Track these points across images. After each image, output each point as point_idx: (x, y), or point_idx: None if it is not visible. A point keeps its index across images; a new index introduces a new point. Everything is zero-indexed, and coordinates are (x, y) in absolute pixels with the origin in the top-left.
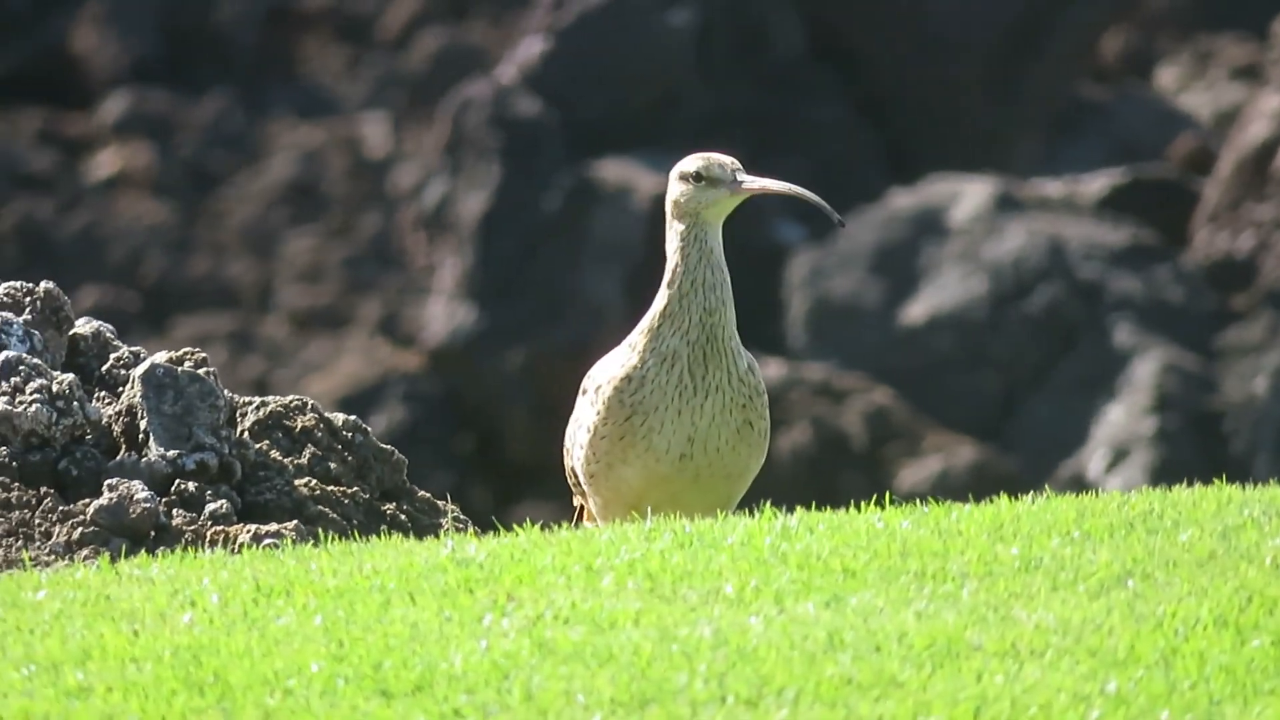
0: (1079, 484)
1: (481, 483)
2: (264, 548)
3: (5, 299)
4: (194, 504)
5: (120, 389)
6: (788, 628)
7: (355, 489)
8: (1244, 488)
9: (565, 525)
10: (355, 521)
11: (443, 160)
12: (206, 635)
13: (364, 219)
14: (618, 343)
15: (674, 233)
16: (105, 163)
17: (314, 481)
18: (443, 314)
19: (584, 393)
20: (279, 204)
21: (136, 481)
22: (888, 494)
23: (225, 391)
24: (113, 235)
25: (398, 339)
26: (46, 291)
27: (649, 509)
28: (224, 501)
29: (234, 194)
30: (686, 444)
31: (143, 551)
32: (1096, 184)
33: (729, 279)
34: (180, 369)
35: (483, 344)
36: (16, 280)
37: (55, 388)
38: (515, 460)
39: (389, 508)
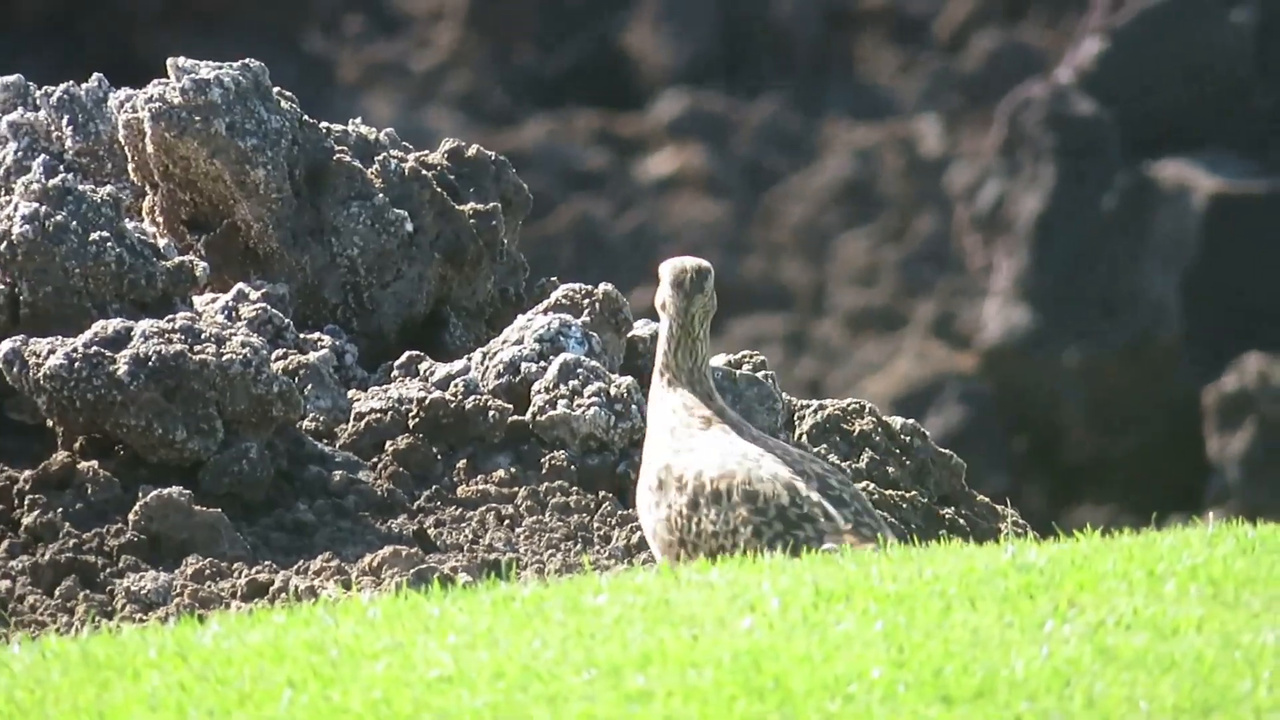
0: None
1: (1037, 485)
2: (823, 552)
3: (564, 301)
4: None
5: None
6: None
7: (914, 493)
8: None
9: (1127, 530)
10: (914, 526)
11: (998, 161)
12: (766, 640)
13: (919, 219)
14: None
15: None
16: (660, 163)
17: (872, 485)
18: (999, 315)
19: None
20: (833, 204)
21: None
22: None
23: (783, 394)
24: (668, 235)
25: (953, 340)
26: (605, 294)
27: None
28: None
29: (789, 194)
30: None
31: None
32: None
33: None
34: (739, 372)
35: (1039, 344)
36: (572, 280)
37: (614, 391)
38: (1071, 462)
39: (947, 512)
